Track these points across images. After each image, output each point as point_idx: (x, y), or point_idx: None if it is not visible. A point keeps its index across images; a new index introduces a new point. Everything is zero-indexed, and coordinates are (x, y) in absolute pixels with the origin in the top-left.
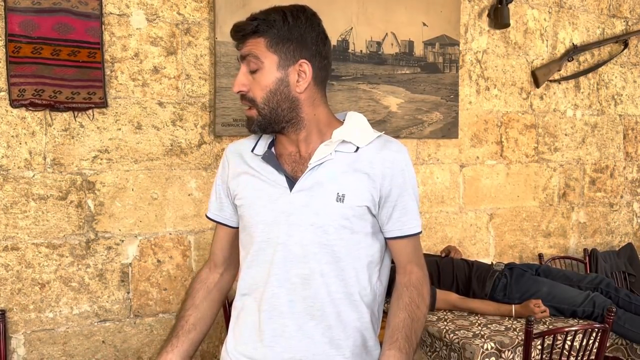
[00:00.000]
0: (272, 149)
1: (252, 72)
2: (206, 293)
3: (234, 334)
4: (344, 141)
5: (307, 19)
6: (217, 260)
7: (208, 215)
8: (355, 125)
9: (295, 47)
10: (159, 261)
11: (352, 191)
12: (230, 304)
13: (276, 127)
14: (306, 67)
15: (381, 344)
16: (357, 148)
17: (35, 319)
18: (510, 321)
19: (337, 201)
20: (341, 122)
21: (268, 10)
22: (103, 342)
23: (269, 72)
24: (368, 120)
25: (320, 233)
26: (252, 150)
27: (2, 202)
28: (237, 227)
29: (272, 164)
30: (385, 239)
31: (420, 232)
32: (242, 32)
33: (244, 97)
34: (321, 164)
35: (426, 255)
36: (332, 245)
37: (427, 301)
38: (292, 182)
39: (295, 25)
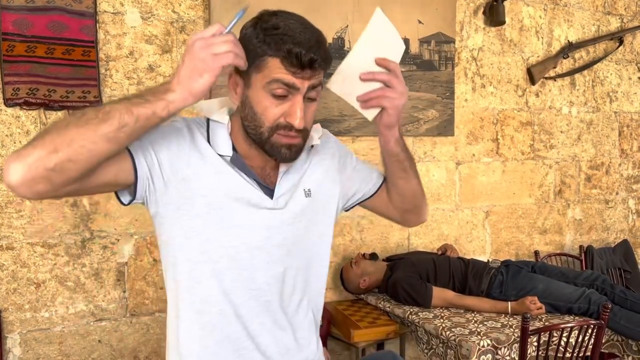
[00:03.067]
0: (237, 152)
1: (310, 100)
2: None
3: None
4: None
5: None
6: None
7: (131, 149)
8: None
9: None
10: (155, 260)
11: (314, 182)
12: None
13: None
14: None
15: (380, 343)
16: (312, 146)
17: (31, 318)
18: (506, 318)
19: (306, 196)
20: None
21: (319, 39)
22: (99, 341)
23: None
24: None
25: (294, 229)
26: (210, 145)
27: None
28: (129, 183)
29: (244, 170)
30: (361, 202)
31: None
32: (318, 61)
33: (299, 130)
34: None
35: (423, 254)
36: (304, 241)
37: None
38: (266, 187)
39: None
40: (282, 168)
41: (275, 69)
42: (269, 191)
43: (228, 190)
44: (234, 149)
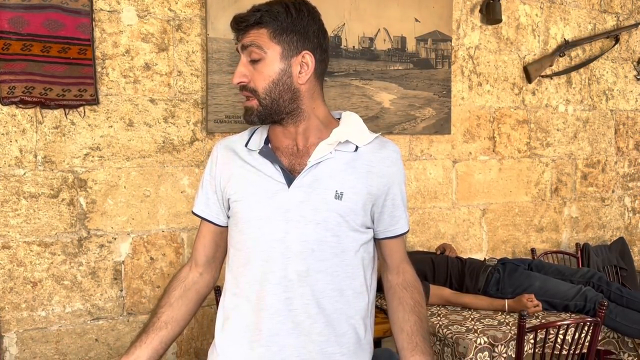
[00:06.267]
0: (268, 144)
1: (254, 62)
2: (182, 292)
3: (224, 335)
4: (345, 140)
5: (309, 12)
6: (199, 259)
7: (194, 210)
8: (354, 125)
9: (298, 38)
10: (152, 259)
11: (350, 189)
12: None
13: (276, 118)
14: (309, 58)
15: (377, 341)
16: (357, 147)
17: (28, 317)
18: (503, 316)
19: (336, 198)
20: (338, 121)
21: (270, 2)
22: (96, 340)
23: (272, 62)
24: (361, 116)
25: (319, 230)
26: (246, 145)
27: None
28: (223, 226)
29: (270, 158)
30: (378, 239)
31: (408, 230)
32: (245, 23)
33: (244, 87)
34: (320, 162)
35: (421, 253)
36: (330, 242)
37: (424, 297)
38: (289, 176)
39: (298, 17)
40: (311, 159)
41: None
42: (291, 181)
43: (250, 183)
44: (266, 143)
